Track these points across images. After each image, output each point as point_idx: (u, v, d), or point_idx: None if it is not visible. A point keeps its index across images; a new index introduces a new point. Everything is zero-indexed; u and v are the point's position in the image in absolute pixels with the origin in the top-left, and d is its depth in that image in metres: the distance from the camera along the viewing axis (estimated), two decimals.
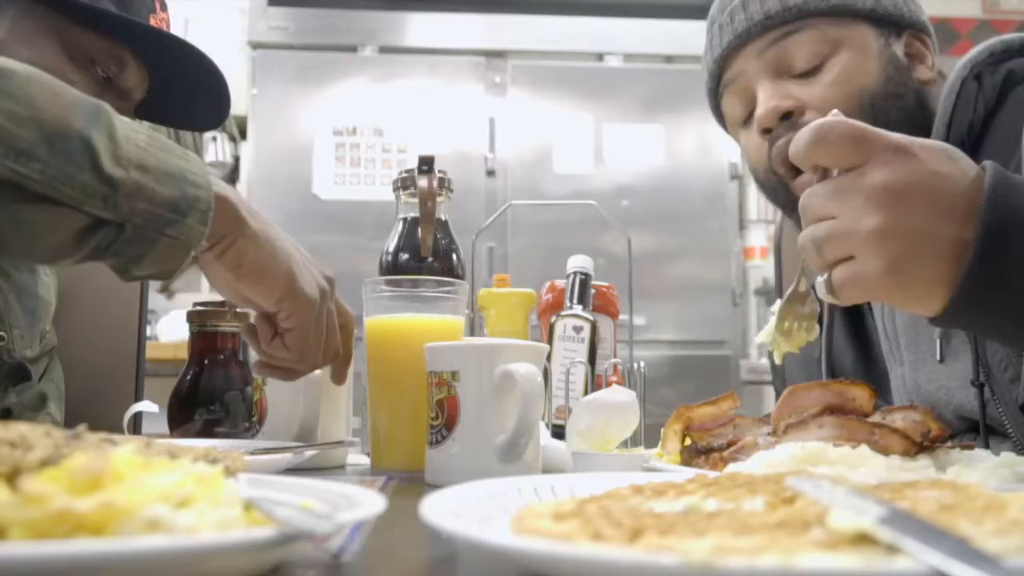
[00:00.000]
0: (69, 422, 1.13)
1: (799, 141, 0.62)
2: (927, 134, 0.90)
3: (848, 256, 0.60)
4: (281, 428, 0.92)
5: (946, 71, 0.94)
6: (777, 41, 0.94)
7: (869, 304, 1.02)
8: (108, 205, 0.67)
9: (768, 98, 0.93)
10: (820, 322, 1.06)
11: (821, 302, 0.69)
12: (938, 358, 0.90)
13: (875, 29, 0.94)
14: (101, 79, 0.98)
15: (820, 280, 0.64)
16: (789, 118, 0.92)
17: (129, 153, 0.68)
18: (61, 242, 0.69)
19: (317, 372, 0.88)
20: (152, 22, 1.02)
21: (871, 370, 1.02)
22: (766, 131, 0.94)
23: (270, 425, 0.94)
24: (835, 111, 0.63)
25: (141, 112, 1.07)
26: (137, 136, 0.70)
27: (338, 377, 0.90)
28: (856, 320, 1.06)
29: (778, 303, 0.77)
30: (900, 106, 0.92)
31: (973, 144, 0.89)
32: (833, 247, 0.61)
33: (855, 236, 0.59)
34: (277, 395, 0.94)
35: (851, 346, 1.06)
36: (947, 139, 0.88)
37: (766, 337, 0.77)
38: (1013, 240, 0.57)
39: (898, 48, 0.95)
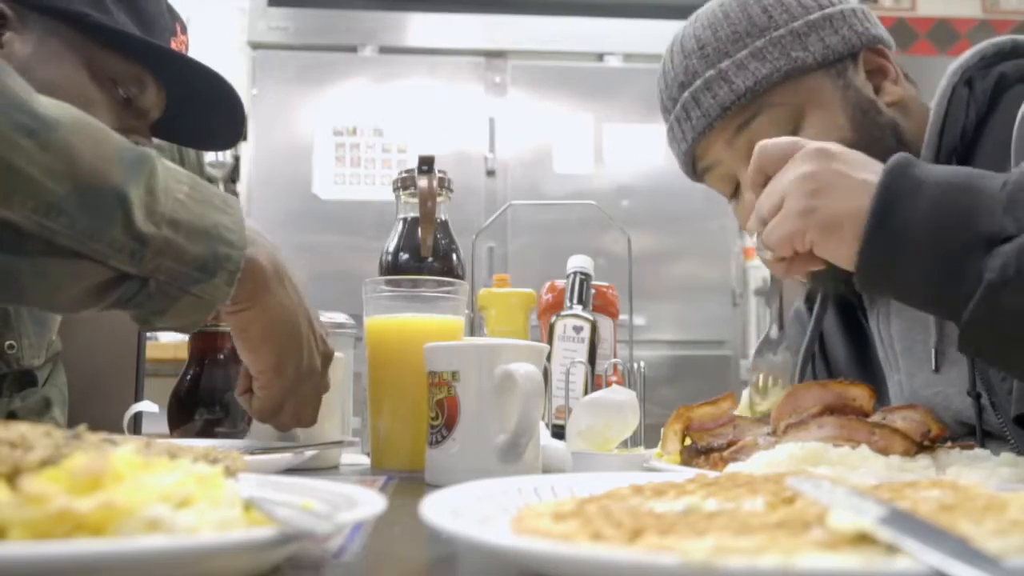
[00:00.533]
0: (70, 423, 1.14)
1: (752, 161, 0.75)
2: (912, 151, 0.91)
3: (779, 207, 0.70)
4: (265, 428, 0.90)
5: (944, 71, 0.93)
6: (742, 128, 0.91)
7: (865, 312, 1.02)
8: (135, 261, 0.66)
9: (750, 193, 0.91)
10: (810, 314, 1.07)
11: (794, 351, 0.75)
12: (933, 367, 0.90)
13: (831, 73, 0.91)
14: (121, 99, 0.98)
15: (757, 240, 0.73)
16: None
17: (165, 207, 0.66)
18: (83, 294, 0.68)
19: None
20: (172, 45, 1.03)
21: (867, 377, 1.02)
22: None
23: (257, 425, 0.92)
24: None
25: (157, 130, 1.07)
26: (178, 187, 0.68)
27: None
28: (854, 327, 1.05)
29: (752, 359, 0.81)
30: (880, 148, 0.87)
31: (966, 150, 0.88)
32: (768, 200, 0.71)
33: (783, 184, 0.70)
34: None
35: (846, 347, 1.06)
36: (939, 146, 0.88)
37: (747, 409, 0.81)
38: (912, 197, 0.65)
39: (857, 76, 0.92)
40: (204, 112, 1.06)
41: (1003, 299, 0.61)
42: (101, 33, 0.94)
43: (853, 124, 0.90)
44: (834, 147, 0.70)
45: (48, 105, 0.64)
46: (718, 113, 0.91)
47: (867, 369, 1.02)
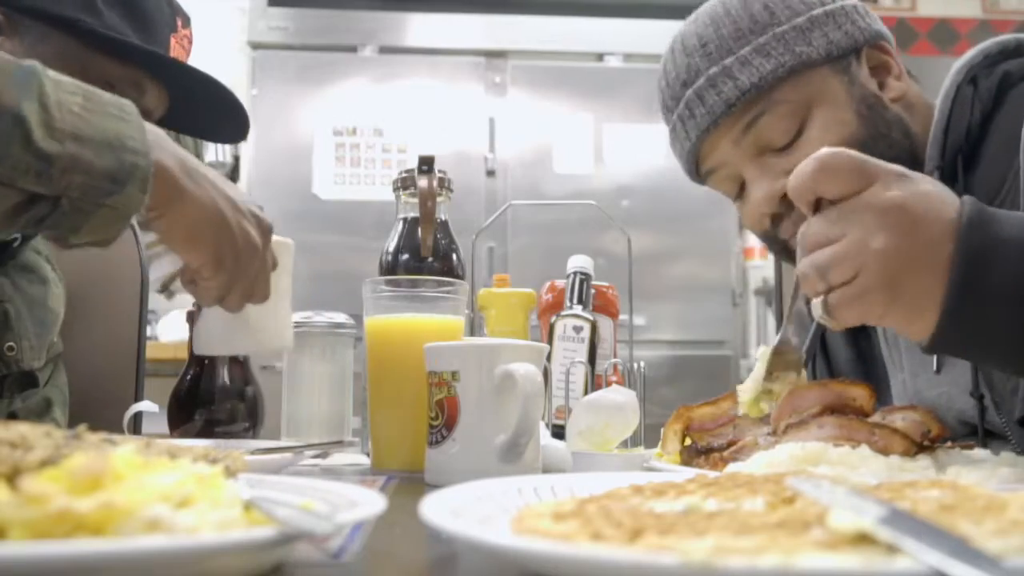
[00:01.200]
0: (70, 424, 1.14)
1: (803, 173, 0.64)
2: (917, 156, 0.89)
3: (853, 276, 0.62)
4: (215, 310, 0.86)
5: (946, 72, 0.93)
6: (749, 126, 0.90)
7: None
8: (42, 180, 0.65)
9: (758, 189, 0.91)
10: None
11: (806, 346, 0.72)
12: (934, 368, 0.89)
13: (836, 69, 0.90)
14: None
15: (816, 301, 0.65)
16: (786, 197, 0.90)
17: (63, 123, 0.65)
18: None
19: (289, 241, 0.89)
20: (173, 40, 1.02)
21: (869, 374, 1.02)
22: (772, 214, 0.92)
23: (207, 311, 0.89)
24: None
25: (166, 124, 1.07)
26: (72, 99, 0.67)
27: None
28: (857, 327, 1.05)
29: (762, 349, 0.79)
30: (889, 141, 0.89)
31: (971, 148, 0.88)
32: (840, 268, 0.63)
33: (863, 254, 0.61)
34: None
35: (848, 347, 1.05)
36: (944, 145, 0.88)
37: (749, 394, 0.78)
38: (991, 264, 0.60)
39: (861, 71, 0.92)
40: (207, 109, 1.06)
41: None
42: (93, 38, 0.94)
43: (860, 119, 0.89)
44: (909, 199, 0.62)
45: None
46: (723, 110, 0.90)
47: (869, 369, 1.02)
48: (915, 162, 0.89)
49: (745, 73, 0.89)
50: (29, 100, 0.64)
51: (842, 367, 1.05)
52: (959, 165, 0.88)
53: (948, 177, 0.87)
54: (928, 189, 0.63)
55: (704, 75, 0.91)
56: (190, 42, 1.08)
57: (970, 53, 0.91)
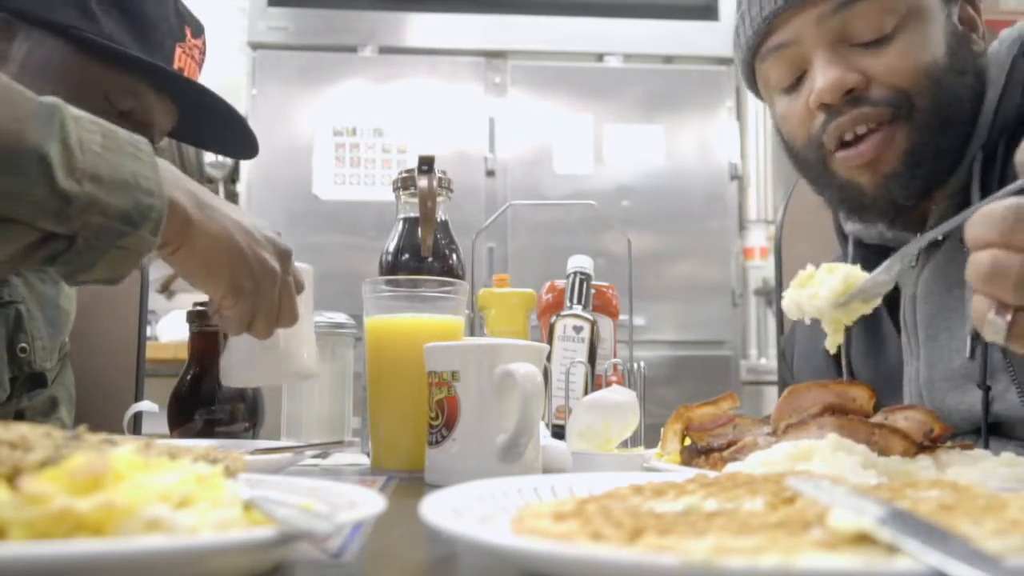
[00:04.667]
0: (75, 423, 1.14)
1: (987, 222, 0.55)
2: (978, 110, 0.87)
3: None
4: (243, 338, 0.86)
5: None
6: (842, 7, 0.85)
7: (884, 299, 1.01)
8: (61, 220, 0.65)
9: (831, 72, 0.86)
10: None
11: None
12: (968, 354, 0.87)
13: None
14: (116, 112, 0.96)
15: (995, 318, 0.57)
16: (850, 93, 0.86)
17: (84, 163, 0.66)
18: (11, 256, 0.67)
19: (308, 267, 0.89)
20: (179, 51, 1.01)
21: (880, 364, 1.01)
22: (823, 105, 0.88)
23: (234, 340, 0.88)
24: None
25: (178, 136, 1.06)
26: (91, 139, 0.67)
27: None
28: (870, 318, 1.04)
29: (843, 268, 0.72)
30: (963, 83, 0.87)
31: (1017, 124, 0.86)
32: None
33: None
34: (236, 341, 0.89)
35: (863, 341, 1.05)
36: (994, 120, 0.86)
37: (806, 297, 0.71)
38: None
39: (954, 15, 0.89)
40: (214, 123, 1.05)
41: None
42: (88, 46, 0.93)
43: (948, 49, 0.87)
44: None
45: None
46: None
47: (880, 359, 1.01)
48: (975, 115, 0.87)
49: None
50: (52, 140, 0.64)
51: (857, 360, 1.04)
52: (1000, 145, 0.86)
53: (988, 154, 0.86)
54: None
55: None
56: (201, 53, 1.07)
57: (1021, 25, 0.90)
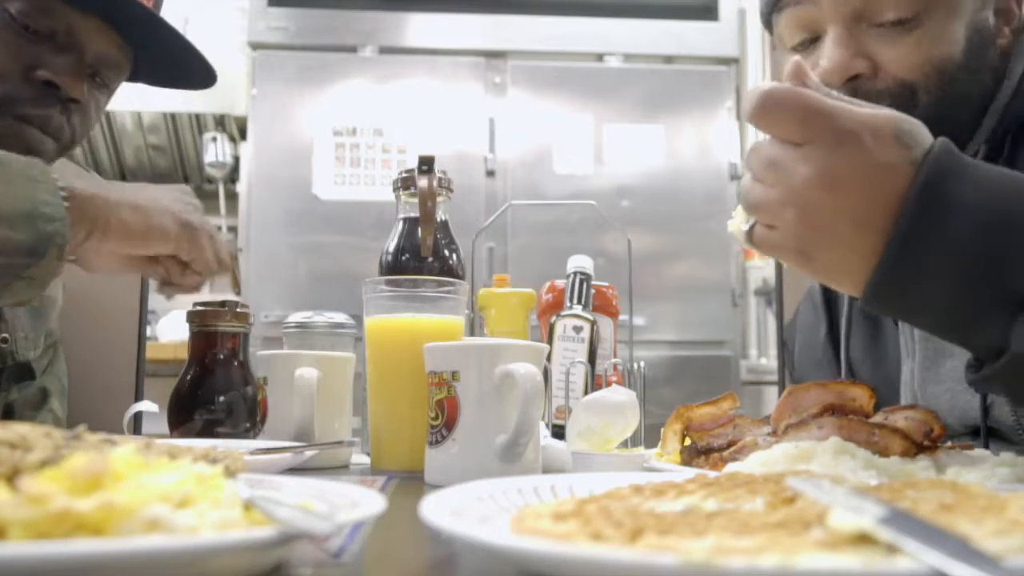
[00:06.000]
0: (70, 422, 1.13)
1: (747, 102, 0.60)
2: (987, 107, 0.85)
3: (771, 226, 0.61)
4: (281, 427, 0.93)
5: None
6: None
7: None
8: None
9: (837, 54, 0.83)
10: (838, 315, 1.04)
11: None
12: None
13: None
14: (30, 35, 0.90)
15: (745, 228, 0.64)
16: (855, 79, 0.84)
17: None
18: None
19: (314, 372, 0.89)
20: None
21: (880, 363, 1.01)
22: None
23: (271, 424, 0.94)
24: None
25: (139, 76, 1.03)
26: None
27: (235, 285, 0.92)
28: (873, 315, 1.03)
29: None
30: (976, 80, 0.84)
31: (1020, 130, 0.84)
32: (759, 215, 0.62)
33: (778, 216, 0.60)
34: (276, 394, 0.94)
35: (862, 336, 1.04)
36: (1003, 115, 0.84)
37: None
38: (931, 240, 0.56)
39: (989, 7, 0.85)
40: (172, 57, 1.00)
41: None
42: None
43: (967, 44, 0.83)
44: (837, 177, 0.57)
45: None
46: None
47: (879, 357, 1.01)
48: (983, 111, 0.86)
49: None
50: None
51: (857, 358, 1.04)
52: (1007, 142, 0.85)
53: (996, 148, 0.85)
54: (874, 158, 0.57)
55: None
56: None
57: None
